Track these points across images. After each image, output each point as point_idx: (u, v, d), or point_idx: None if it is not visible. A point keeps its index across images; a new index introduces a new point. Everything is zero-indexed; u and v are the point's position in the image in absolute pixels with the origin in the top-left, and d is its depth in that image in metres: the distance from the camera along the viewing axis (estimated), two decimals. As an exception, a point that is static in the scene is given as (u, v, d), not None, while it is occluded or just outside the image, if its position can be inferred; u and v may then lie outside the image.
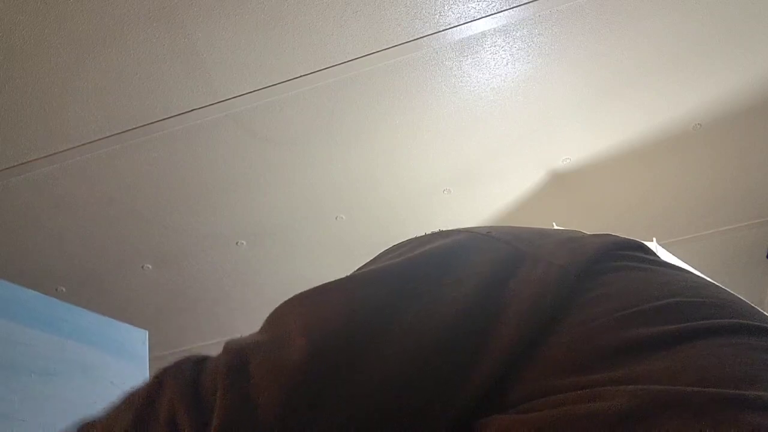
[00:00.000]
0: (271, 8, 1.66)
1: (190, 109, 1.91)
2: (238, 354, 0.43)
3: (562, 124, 2.14)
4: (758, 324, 0.41)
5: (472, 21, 1.77)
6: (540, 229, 0.52)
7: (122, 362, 1.15)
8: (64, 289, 2.51)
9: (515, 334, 0.40)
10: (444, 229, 0.54)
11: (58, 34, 1.65)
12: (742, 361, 0.37)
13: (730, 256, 2.69)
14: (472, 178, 2.32)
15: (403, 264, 0.47)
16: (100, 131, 1.94)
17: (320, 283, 0.48)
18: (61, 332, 1.07)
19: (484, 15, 1.76)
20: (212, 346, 2.91)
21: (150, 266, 2.48)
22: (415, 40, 1.80)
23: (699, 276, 0.49)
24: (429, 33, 1.79)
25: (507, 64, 1.92)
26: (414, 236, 0.53)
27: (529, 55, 1.90)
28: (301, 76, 1.86)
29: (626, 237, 0.50)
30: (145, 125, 1.94)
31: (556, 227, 2.04)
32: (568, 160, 2.28)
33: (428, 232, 0.54)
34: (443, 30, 1.78)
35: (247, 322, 2.83)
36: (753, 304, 0.48)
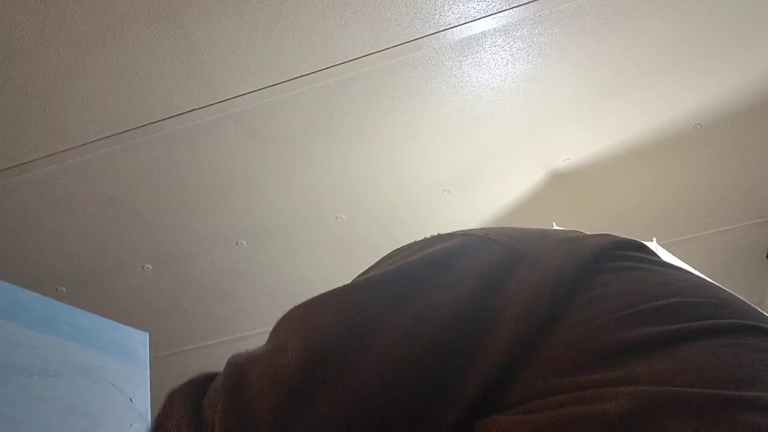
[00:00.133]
0: (271, 8, 1.66)
1: (190, 109, 1.91)
2: (237, 368, 0.44)
3: (562, 124, 2.14)
4: (758, 324, 0.41)
5: (472, 21, 1.77)
6: (538, 230, 0.52)
7: (123, 364, 1.15)
8: (64, 290, 2.51)
9: (513, 335, 0.40)
10: (443, 230, 0.54)
11: (58, 34, 1.65)
12: (742, 362, 0.37)
13: (730, 256, 2.69)
14: (472, 178, 2.32)
15: (400, 269, 0.47)
16: (100, 131, 1.94)
17: (321, 291, 0.48)
18: (62, 334, 1.07)
19: (484, 15, 1.76)
20: (212, 346, 2.92)
21: (150, 266, 2.48)
22: (415, 40, 1.80)
23: (699, 276, 0.49)
24: (429, 33, 1.79)
25: (507, 64, 1.92)
26: (413, 240, 0.53)
27: (529, 55, 1.90)
28: (301, 76, 1.86)
29: (626, 237, 0.50)
30: (145, 125, 1.94)
31: (556, 227, 2.04)
32: (568, 160, 2.28)
33: (427, 235, 0.54)
34: (443, 30, 1.78)
35: (247, 322, 2.83)
36: (753, 304, 0.48)
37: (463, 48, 1.85)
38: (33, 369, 0.99)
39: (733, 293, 0.47)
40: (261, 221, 2.37)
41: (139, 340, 1.20)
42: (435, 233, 0.54)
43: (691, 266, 1.60)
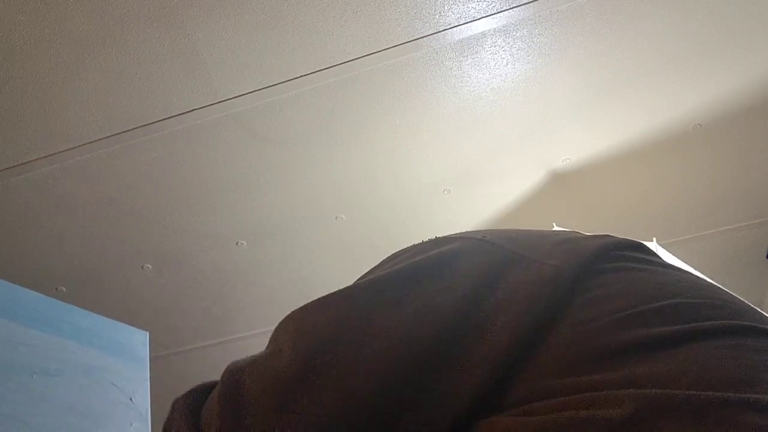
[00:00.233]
0: (271, 8, 1.67)
1: (190, 109, 1.91)
2: (233, 374, 0.44)
3: (562, 124, 2.14)
4: (758, 325, 0.41)
5: (472, 21, 1.77)
6: (538, 232, 0.52)
7: (123, 363, 1.15)
8: (64, 289, 2.51)
9: (512, 336, 0.40)
10: (443, 230, 0.55)
11: (58, 34, 1.65)
12: (742, 363, 0.37)
13: (730, 256, 2.69)
14: (472, 178, 2.32)
15: (400, 272, 0.48)
16: (100, 131, 1.94)
17: (321, 291, 0.49)
18: (63, 333, 1.07)
19: (484, 15, 1.76)
20: (212, 346, 2.92)
21: (150, 266, 2.48)
22: (415, 40, 1.80)
23: (698, 277, 0.49)
24: (429, 33, 1.79)
25: (507, 64, 1.92)
26: (413, 243, 0.54)
27: (529, 55, 1.90)
28: (301, 76, 1.86)
29: (625, 237, 0.50)
30: (145, 125, 1.94)
31: (556, 227, 2.04)
32: (568, 160, 2.28)
33: (426, 237, 0.54)
34: (443, 30, 1.79)
35: (247, 322, 2.83)
36: (753, 305, 0.49)
37: (463, 48, 1.85)
38: (33, 368, 0.99)
39: (733, 294, 0.47)
40: (261, 221, 2.37)
41: (139, 340, 1.20)
42: (434, 235, 0.54)
43: (691, 266, 1.60)
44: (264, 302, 2.73)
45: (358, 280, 0.51)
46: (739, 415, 0.33)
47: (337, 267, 2.60)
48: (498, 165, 2.27)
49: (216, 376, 0.48)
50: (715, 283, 0.48)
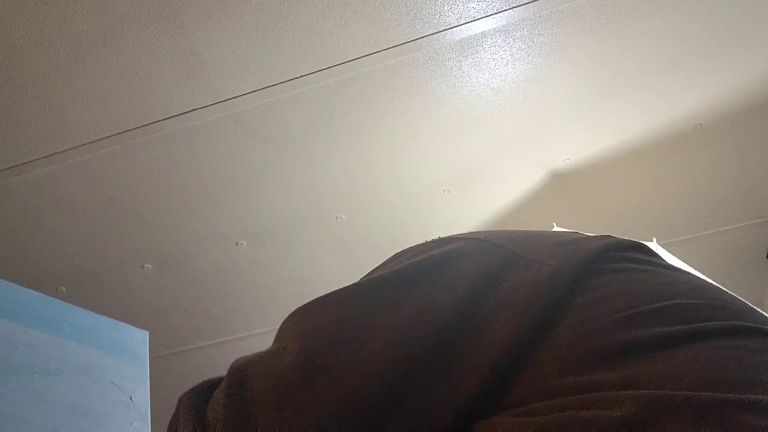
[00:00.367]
0: (271, 8, 1.67)
1: (190, 109, 1.91)
2: (238, 371, 0.45)
3: (562, 124, 2.14)
4: (759, 326, 0.41)
5: (472, 21, 1.77)
6: (538, 232, 0.52)
7: (123, 362, 1.15)
8: (64, 289, 2.51)
9: (512, 336, 0.41)
10: (443, 230, 0.55)
11: (58, 34, 1.65)
12: (742, 364, 0.37)
13: (730, 256, 2.69)
14: (472, 178, 2.32)
15: (400, 271, 0.48)
16: (100, 131, 1.94)
17: (321, 291, 0.49)
18: (62, 332, 1.07)
19: (484, 15, 1.76)
20: (212, 346, 2.92)
21: (150, 266, 2.49)
22: (415, 40, 1.80)
23: (699, 277, 0.49)
24: (429, 33, 1.79)
25: (507, 64, 1.92)
26: (415, 243, 0.54)
27: (529, 55, 1.90)
28: (301, 76, 1.86)
29: (626, 238, 0.51)
30: (145, 125, 1.94)
31: (556, 227, 2.04)
32: (568, 160, 2.28)
33: (428, 237, 0.55)
34: (443, 30, 1.79)
35: (247, 322, 2.84)
36: (753, 304, 0.49)
37: (463, 48, 1.85)
38: (33, 368, 0.99)
39: (734, 295, 0.47)
40: (261, 221, 2.37)
41: (139, 339, 1.20)
42: (434, 235, 0.55)
43: (691, 266, 1.60)
44: (264, 302, 2.74)
45: (363, 278, 0.51)
46: (739, 416, 0.33)
47: (337, 267, 2.60)
48: (498, 165, 2.27)
49: (216, 375, 0.48)
50: (716, 284, 0.48)
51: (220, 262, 2.51)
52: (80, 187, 2.12)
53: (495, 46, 1.86)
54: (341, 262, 2.58)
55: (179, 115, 1.92)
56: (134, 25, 1.66)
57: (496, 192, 2.39)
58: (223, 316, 2.79)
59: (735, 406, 0.34)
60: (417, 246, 0.53)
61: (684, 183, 2.40)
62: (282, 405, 0.41)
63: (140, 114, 1.90)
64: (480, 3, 1.73)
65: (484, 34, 1.82)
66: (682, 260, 1.82)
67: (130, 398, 1.11)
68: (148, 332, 1.24)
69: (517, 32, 1.83)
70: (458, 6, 1.73)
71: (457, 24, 1.77)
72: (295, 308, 0.48)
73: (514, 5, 1.74)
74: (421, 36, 1.79)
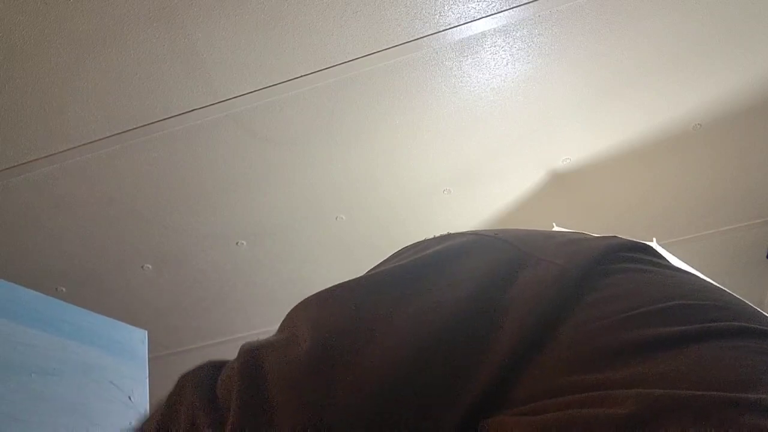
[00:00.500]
0: (271, 8, 1.67)
1: (190, 109, 1.91)
2: (251, 355, 0.44)
3: (562, 124, 2.14)
4: (761, 327, 0.41)
5: (472, 21, 1.77)
6: (546, 232, 0.52)
7: (122, 362, 1.15)
8: (64, 289, 2.51)
9: (518, 335, 0.41)
10: (443, 230, 0.55)
11: (58, 34, 1.65)
12: (744, 364, 0.37)
13: (730, 256, 2.69)
14: (472, 178, 2.32)
15: (408, 265, 0.48)
16: (100, 131, 1.94)
17: (330, 285, 0.49)
18: (61, 332, 1.07)
19: (484, 15, 1.76)
20: (212, 346, 2.92)
21: (150, 266, 2.49)
22: (415, 40, 1.80)
23: (703, 279, 0.49)
24: (429, 33, 1.79)
25: (507, 64, 1.92)
26: (424, 238, 0.54)
27: (529, 55, 1.90)
28: (301, 76, 1.86)
29: (631, 239, 0.51)
30: (145, 125, 1.94)
31: (556, 227, 2.04)
32: (568, 160, 2.28)
33: (430, 235, 0.55)
34: (443, 30, 1.79)
35: (247, 322, 2.84)
36: (753, 304, 0.49)
37: (463, 48, 1.85)
38: (32, 367, 0.99)
39: (736, 296, 0.47)
40: (261, 221, 2.37)
41: (138, 338, 1.20)
42: (438, 233, 0.55)
43: (691, 266, 1.60)
44: (264, 302, 2.74)
45: (371, 270, 0.51)
46: (741, 416, 0.33)
47: (337, 267, 2.60)
48: (498, 165, 2.27)
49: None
50: (719, 286, 0.48)
51: (220, 262, 2.51)
52: (80, 187, 2.12)
53: (495, 46, 1.86)
54: (341, 262, 2.58)
55: (179, 115, 1.92)
56: (134, 25, 1.66)
57: (496, 192, 2.39)
58: (223, 316, 2.79)
59: (738, 406, 0.34)
60: (426, 240, 0.53)
61: (684, 183, 2.40)
62: (300, 391, 0.41)
63: (140, 114, 1.90)
64: (480, 3, 1.73)
65: (484, 34, 1.82)
66: (682, 260, 1.82)
67: (129, 398, 1.11)
68: (146, 332, 1.24)
69: (517, 32, 1.83)
70: (458, 6, 1.73)
71: (457, 24, 1.77)
72: (305, 297, 0.48)
73: (514, 5, 1.74)
74: (421, 36, 1.79)
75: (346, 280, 0.49)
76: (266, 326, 2.83)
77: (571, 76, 1.97)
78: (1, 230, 2.23)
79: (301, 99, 1.94)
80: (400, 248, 0.55)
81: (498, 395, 0.40)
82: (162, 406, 0.47)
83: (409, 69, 1.89)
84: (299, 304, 0.48)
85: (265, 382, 0.42)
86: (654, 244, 1.85)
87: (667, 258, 0.52)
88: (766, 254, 2.65)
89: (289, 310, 0.49)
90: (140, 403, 1.14)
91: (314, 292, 0.49)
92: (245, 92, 1.89)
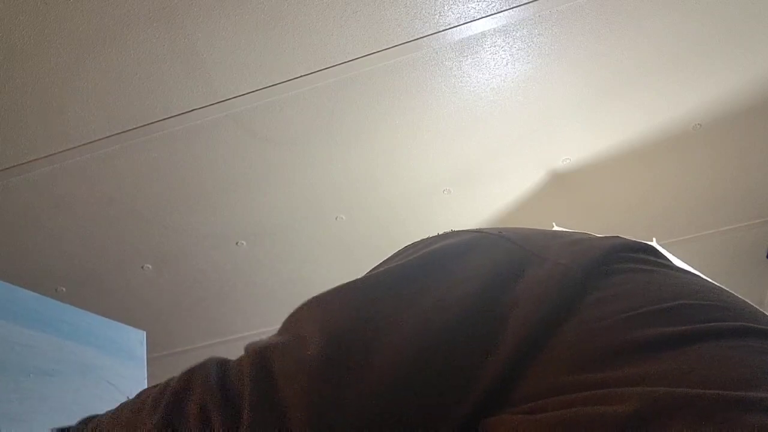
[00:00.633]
0: (271, 8, 1.67)
1: (190, 109, 1.91)
2: (260, 355, 0.44)
3: (562, 124, 2.14)
4: (763, 327, 0.42)
5: (472, 21, 1.77)
6: (549, 231, 0.53)
7: (120, 362, 1.15)
8: (64, 290, 2.51)
9: (522, 334, 0.41)
10: (443, 231, 0.55)
11: (58, 34, 1.65)
12: (746, 364, 0.38)
13: (730, 256, 2.69)
14: (472, 178, 2.32)
15: (410, 263, 0.48)
16: (100, 131, 1.94)
17: (330, 285, 0.49)
18: (59, 333, 1.07)
19: (484, 15, 1.76)
20: (212, 346, 2.92)
21: (150, 266, 2.49)
22: (415, 40, 1.80)
23: (705, 279, 0.49)
24: (429, 33, 1.79)
25: (507, 64, 1.92)
26: (427, 236, 0.54)
27: (529, 55, 1.90)
28: (301, 76, 1.86)
29: (634, 239, 0.51)
30: (145, 125, 1.94)
31: (555, 227, 2.04)
32: (568, 160, 2.28)
33: (440, 232, 0.55)
34: (443, 30, 1.78)
35: (247, 322, 2.83)
36: (753, 304, 0.49)
37: (463, 48, 1.85)
38: (30, 368, 0.99)
39: (738, 296, 0.47)
40: (261, 221, 2.37)
41: (136, 339, 1.20)
42: (439, 232, 0.55)
43: (691, 266, 1.60)
44: (264, 302, 2.73)
45: (374, 269, 0.51)
46: (744, 415, 0.33)
47: (337, 267, 2.60)
48: (498, 165, 2.27)
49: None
50: (721, 286, 0.49)
51: (220, 262, 2.51)
52: (80, 187, 2.12)
53: (495, 46, 1.86)
54: (341, 262, 2.58)
55: (179, 115, 1.92)
56: (134, 25, 1.66)
57: (496, 192, 2.39)
58: (223, 316, 2.78)
59: (741, 405, 0.34)
60: (430, 237, 0.53)
61: (684, 183, 2.40)
62: (311, 391, 0.41)
63: (140, 114, 1.90)
64: (480, 3, 1.73)
65: (484, 34, 1.82)
66: (682, 260, 1.81)
67: (128, 398, 1.11)
68: (145, 332, 1.24)
69: (517, 32, 1.83)
70: (458, 6, 1.73)
71: (457, 24, 1.77)
72: (309, 299, 0.48)
73: (514, 5, 1.74)
74: (421, 36, 1.79)
75: (350, 280, 0.49)
76: (266, 326, 2.83)
77: (571, 76, 1.97)
78: (1, 230, 2.23)
79: (301, 99, 1.94)
80: (400, 248, 0.55)
81: (500, 394, 0.40)
82: (165, 398, 0.46)
83: (409, 69, 1.89)
84: (303, 305, 0.48)
85: (276, 384, 0.42)
86: (654, 244, 1.85)
87: (669, 258, 0.52)
88: (766, 254, 2.65)
89: (289, 310, 0.49)
90: (139, 403, 1.14)
91: (316, 294, 0.49)
92: (245, 92, 1.88)
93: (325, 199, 2.32)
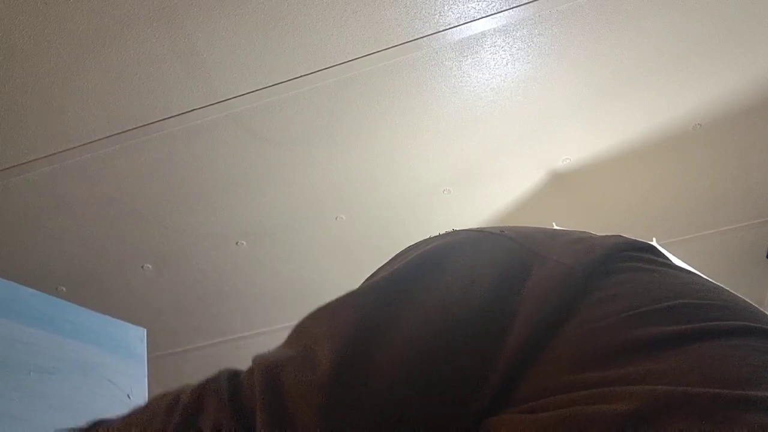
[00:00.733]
0: (271, 8, 1.67)
1: (190, 109, 1.91)
2: (269, 371, 0.44)
3: (562, 124, 2.14)
4: (763, 326, 0.42)
5: (472, 21, 1.77)
6: (550, 230, 0.52)
7: (120, 360, 1.15)
8: (64, 289, 2.51)
9: (525, 333, 0.41)
10: (443, 231, 0.55)
11: (58, 34, 1.65)
12: (746, 363, 0.38)
13: (730, 256, 2.69)
14: (472, 178, 2.32)
15: (413, 261, 0.48)
16: (100, 131, 1.94)
17: (321, 291, 0.49)
18: (60, 330, 1.07)
19: (484, 15, 1.76)
20: (212, 346, 2.92)
21: (150, 266, 2.49)
22: (415, 40, 1.80)
23: (705, 278, 0.49)
24: (429, 33, 1.79)
25: (507, 64, 1.92)
26: (429, 237, 0.54)
27: (529, 55, 1.90)
28: (301, 76, 1.86)
29: (635, 238, 0.51)
30: (145, 125, 1.94)
31: (555, 227, 2.04)
32: (568, 160, 2.28)
33: (440, 232, 0.55)
34: (443, 30, 1.79)
35: (247, 322, 2.83)
36: (753, 304, 0.49)
37: (463, 48, 1.85)
38: (30, 366, 0.99)
39: (739, 296, 0.47)
40: (261, 221, 2.37)
41: (136, 336, 1.20)
42: (438, 232, 0.55)
43: (691, 266, 1.60)
44: (264, 302, 2.73)
45: (378, 272, 0.51)
46: (745, 414, 0.34)
47: (337, 267, 2.60)
48: (498, 165, 2.27)
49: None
50: (722, 286, 0.49)
51: (220, 262, 2.51)
52: (80, 187, 2.12)
53: (495, 46, 1.86)
54: (341, 262, 2.58)
55: (179, 115, 1.92)
56: (134, 25, 1.66)
57: (496, 192, 2.39)
58: (223, 316, 2.78)
59: (741, 404, 0.34)
60: (431, 237, 0.53)
61: (684, 183, 2.40)
62: (324, 407, 0.41)
63: (140, 114, 1.90)
64: (480, 3, 1.73)
65: (484, 34, 1.82)
66: (682, 260, 1.81)
67: (128, 396, 1.11)
68: (145, 330, 1.24)
69: (517, 32, 1.83)
70: (458, 6, 1.73)
71: (457, 24, 1.77)
72: (314, 309, 0.48)
73: (514, 5, 1.74)
74: (421, 36, 1.79)
75: (353, 288, 0.49)
76: (266, 326, 2.83)
77: (571, 76, 1.97)
78: (1, 230, 2.23)
79: (301, 99, 1.94)
80: (400, 248, 0.55)
81: (503, 393, 0.40)
82: (176, 414, 0.45)
83: (409, 69, 1.89)
84: (309, 315, 0.48)
85: (287, 402, 0.42)
86: (654, 244, 1.85)
87: (669, 258, 0.52)
88: (766, 254, 2.65)
89: (289, 310, 0.49)
90: (139, 401, 1.14)
91: (309, 299, 0.49)
92: (245, 92, 1.89)
93: (325, 199, 2.32)
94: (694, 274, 0.49)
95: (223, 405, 0.43)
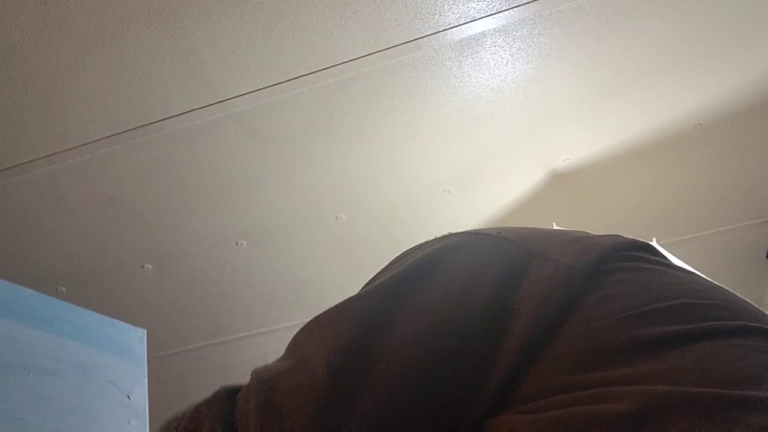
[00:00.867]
0: (271, 8, 1.67)
1: (190, 109, 1.91)
2: (265, 384, 0.44)
3: (562, 124, 2.14)
4: (763, 326, 0.41)
5: (472, 21, 1.77)
6: (548, 230, 0.52)
7: (120, 361, 1.15)
8: (64, 289, 2.51)
9: (526, 334, 0.41)
10: (443, 230, 0.55)
11: (58, 34, 1.65)
12: (746, 363, 0.38)
13: (730, 256, 2.68)
14: (472, 178, 2.32)
15: (411, 265, 0.48)
16: (100, 131, 1.94)
17: (321, 292, 0.49)
18: (59, 331, 1.07)
19: (484, 15, 1.76)
20: (212, 346, 2.92)
21: (150, 266, 2.48)
22: (415, 40, 1.80)
23: (705, 278, 0.49)
24: (429, 33, 1.79)
25: (507, 64, 1.92)
26: (425, 239, 0.54)
27: (529, 55, 1.90)
28: (301, 76, 1.86)
29: (634, 238, 0.51)
30: (145, 125, 1.94)
31: (555, 227, 2.04)
32: (568, 160, 2.28)
33: (437, 235, 0.55)
34: (443, 30, 1.79)
35: (247, 322, 2.83)
36: (753, 304, 0.49)
37: (463, 48, 1.85)
38: (30, 366, 0.99)
39: (739, 296, 0.47)
40: (261, 221, 2.37)
41: (136, 337, 1.20)
42: (436, 236, 0.55)
43: (691, 266, 1.60)
44: (264, 302, 2.73)
45: (376, 277, 0.51)
46: (745, 414, 0.33)
47: (337, 267, 2.60)
48: (498, 165, 2.27)
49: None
50: (721, 285, 0.49)
51: (220, 262, 2.51)
52: (80, 187, 2.12)
53: (495, 46, 1.86)
54: (341, 262, 2.58)
55: (179, 115, 1.92)
56: (134, 25, 1.66)
57: (496, 192, 2.38)
58: (223, 316, 2.78)
59: (741, 404, 0.34)
60: (428, 241, 0.53)
61: (684, 183, 2.40)
62: (319, 418, 0.40)
63: (140, 114, 1.90)
64: (480, 3, 1.73)
65: (484, 34, 1.82)
66: (682, 260, 1.81)
67: (128, 397, 1.11)
68: (145, 331, 1.24)
69: (517, 32, 1.83)
70: (458, 6, 1.73)
71: (457, 24, 1.77)
72: (310, 320, 0.48)
73: (514, 5, 1.74)
74: (421, 36, 1.79)
75: (353, 289, 0.48)
76: (266, 326, 2.83)
77: (571, 76, 1.97)
78: (1, 230, 2.23)
79: (301, 99, 1.94)
80: (400, 249, 0.55)
81: (503, 394, 0.40)
82: None
83: (409, 69, 1.89)
84: (305, 327, 0.48)
85: (282, 407, 0.41)
86: (654, 244, 1.85)
87: (669, 257, 0.52)
88: (766, 254, 2.65)
89: (289, 310, 0.49)
90: (139, 402, 1.14)
91: (309, 299, 0.48)
92: (245, 92, 1.89)
93: (325, 199, 2.32)
94: (694, 273, 0.49)
95: (218, 423, 0.43)
